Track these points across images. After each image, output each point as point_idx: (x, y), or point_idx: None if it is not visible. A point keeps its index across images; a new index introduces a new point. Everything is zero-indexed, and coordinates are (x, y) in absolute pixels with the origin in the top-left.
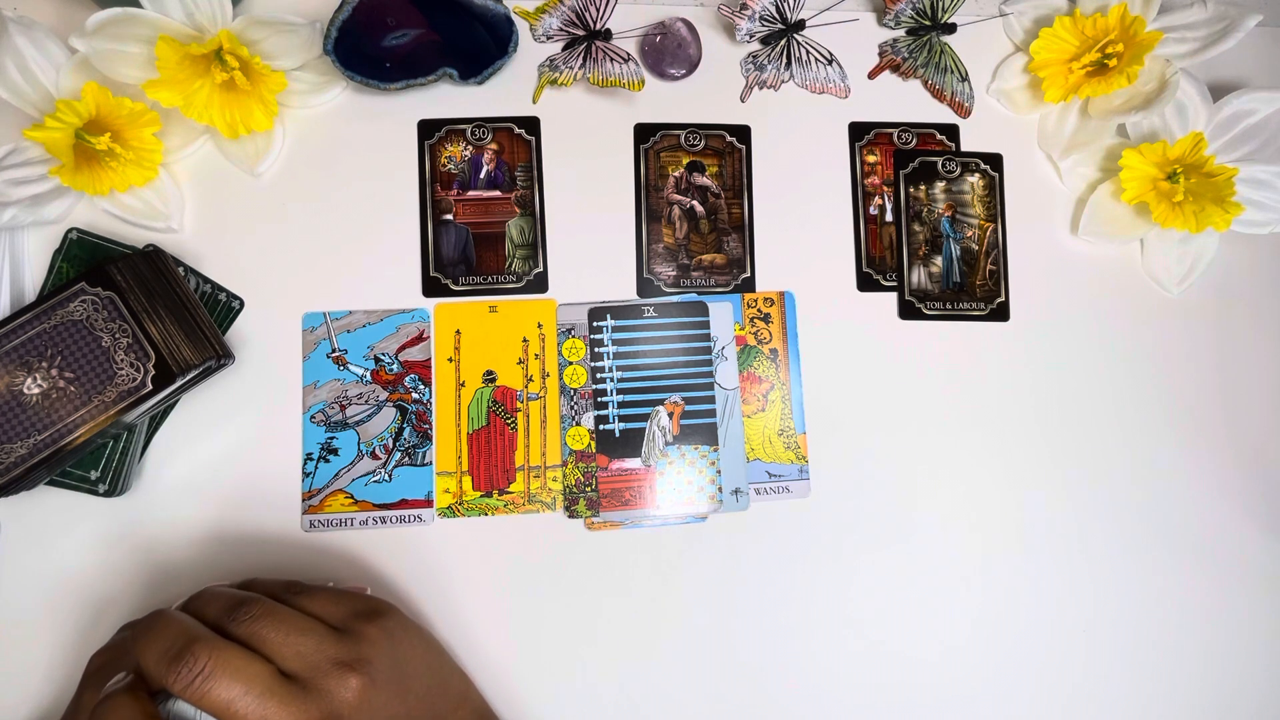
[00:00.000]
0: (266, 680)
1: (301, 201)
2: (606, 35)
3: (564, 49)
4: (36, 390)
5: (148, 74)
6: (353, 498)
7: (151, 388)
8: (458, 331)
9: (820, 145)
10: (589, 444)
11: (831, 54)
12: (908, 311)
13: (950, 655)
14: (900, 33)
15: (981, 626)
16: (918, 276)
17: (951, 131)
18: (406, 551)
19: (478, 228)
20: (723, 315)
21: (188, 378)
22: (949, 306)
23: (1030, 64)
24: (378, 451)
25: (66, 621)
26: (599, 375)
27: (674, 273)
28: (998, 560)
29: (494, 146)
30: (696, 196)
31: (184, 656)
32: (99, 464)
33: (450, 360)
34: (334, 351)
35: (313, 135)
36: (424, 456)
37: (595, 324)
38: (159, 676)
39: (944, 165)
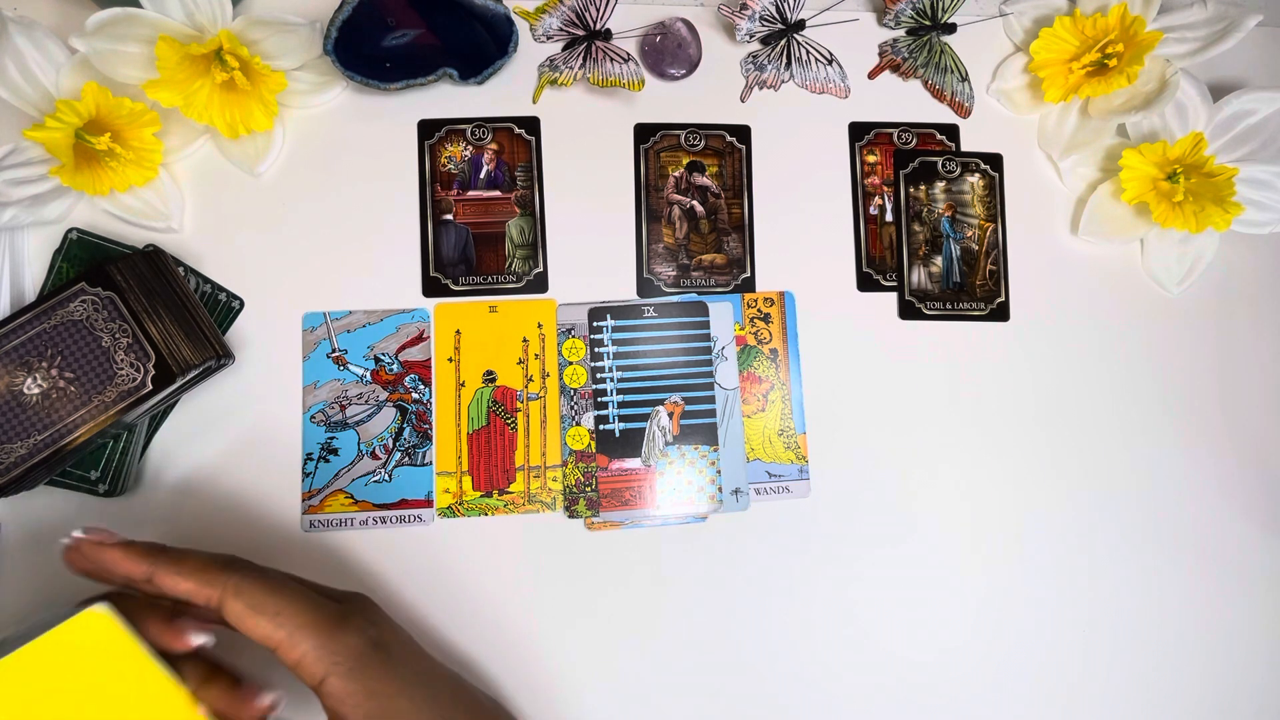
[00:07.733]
0: (306, 594)
1: (301, 201)
2: (606, 35)
3: (564, 49)
4: (36, 390)
5: (148, 74)
6: (353, 498)
7: (151, 388)
8: (458, 331)
9: (820, 145)
10: (589, 444)
11: (831, 54)
12: (908, 311)
13: (950, 654)
14: (900, 33)
15: (981, 626)
16: (918, 276)
17: (951, 131)
18: (406, 551)
19: (478, 228)
20: (723, 315)
21: (188, 378)
22: (949, 306)
23: (1030, 64)
24: (378, 451)
25: None
26: (599, 375)
27: (674, 273)
28: (997, 560)
29: (494, 146)
30: (696, 196)
31: (230, 569)
32: (99, 464)
33: (450, 360)
34: (334, 351)
35: (313, 135)
36: (424, 456)
37: (595, 324)
38: (201, 591)
39: (944, 165)
